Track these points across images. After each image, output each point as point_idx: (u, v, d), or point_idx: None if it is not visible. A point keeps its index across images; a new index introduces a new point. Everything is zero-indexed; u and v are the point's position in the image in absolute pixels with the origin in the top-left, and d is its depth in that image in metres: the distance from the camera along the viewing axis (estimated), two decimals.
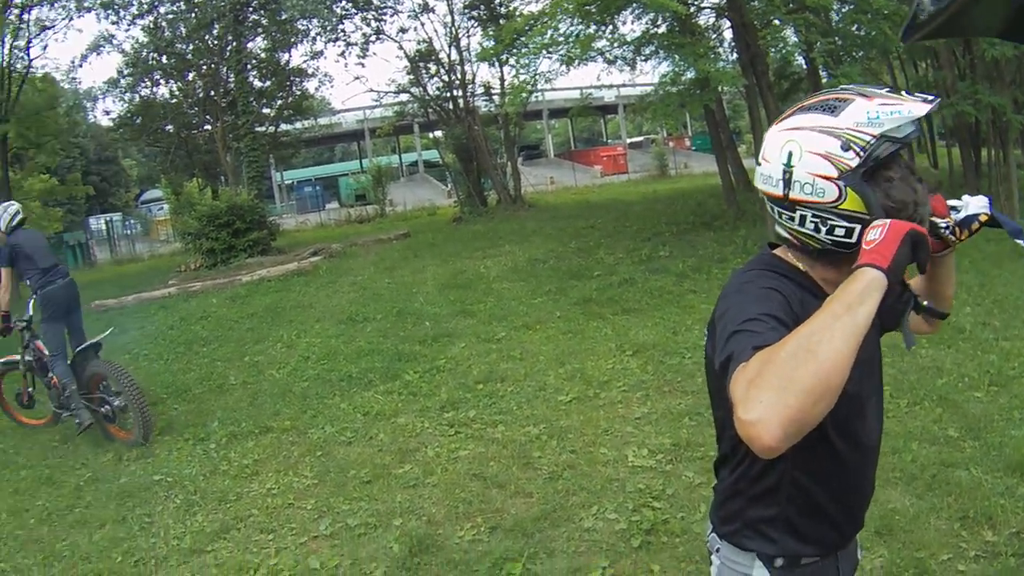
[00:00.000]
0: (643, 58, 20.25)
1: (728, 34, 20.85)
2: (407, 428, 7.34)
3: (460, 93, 27.66)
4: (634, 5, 16.41)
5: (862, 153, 1.77)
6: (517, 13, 22.39)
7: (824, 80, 22.57)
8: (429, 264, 16.91)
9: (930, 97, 1.78)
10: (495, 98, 28.22)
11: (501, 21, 21.96)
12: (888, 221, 1.69)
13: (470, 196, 27.93)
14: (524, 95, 17.65)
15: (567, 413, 7.40)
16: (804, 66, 22.41)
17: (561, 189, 39.48)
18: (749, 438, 1.47)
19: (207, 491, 6.52)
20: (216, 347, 11.81)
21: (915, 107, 1.76)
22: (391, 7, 27.79)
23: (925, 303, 2.08)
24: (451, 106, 27.90)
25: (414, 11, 27.93)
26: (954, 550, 4.78)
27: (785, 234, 1.99)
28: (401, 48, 28.49)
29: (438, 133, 34.14)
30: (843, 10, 17.74)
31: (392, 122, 33.73)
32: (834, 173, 1.78)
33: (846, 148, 1.78)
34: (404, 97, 29.74)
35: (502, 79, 26.58)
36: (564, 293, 12.84)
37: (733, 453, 2.04)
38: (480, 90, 28.94)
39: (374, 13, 27.55)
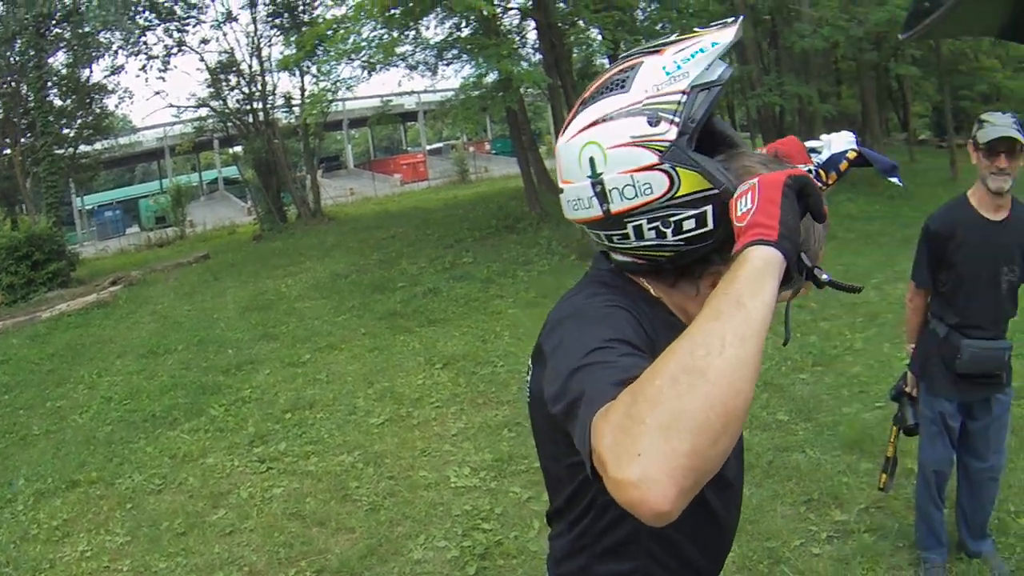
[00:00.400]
0: (445, 62, 20.44)
1: (532, 35, 21.23)
2: (217, 469, 7.02)
3: (260, 105, 27.26)
4: (438, 9, 16.56)
5: (676, 118, 1.42)
6: (320, 18, 22.17)
7: None
8: (229, 286, 16.53)
9: (730, 19, 1.49)
10: (295, 109, 27.91)
11: (303, 29, 21.77)
12: (754, 180, 1.35)
13: (270, 212, 27.45)
14: (325, 103, 17.53)
15: (381, 437, 7.31)
16: (607, 66, 23.10)
17: (361, 200, 39.26)
18: (632, 504, 1.10)
19: (19, 561, 5.94)
20: (17, 394, 10.97)
21: (718, 36, 1.45)
22: (194, 17, 27.16)
23: (825, 276, 1.51)
24: (251, 119, 27.46)
25: (217, 21, 27.43)
26: (805, 534, 4.87)
27: (626, 259, 1.63)
28: (203, 60, 27.97)
29: (238, 148, 33.53)
30: (649, 8, 18.30)
31: (192, 138, 32.93)
32: (653, 159, 1.42)
33: (654, 121, 1.42)
34: (204, 111, 29.12)
35: (302, 89, 26.36)
36: (368, 308, 12.82)
37: (569, 507, 1.67)
38: (280, 101, 28.56)
39: (177, 24, 26.83)
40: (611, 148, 1.44)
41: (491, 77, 15.98)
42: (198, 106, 28.63)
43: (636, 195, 1.44)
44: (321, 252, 19.45)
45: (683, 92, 1.41)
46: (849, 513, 5.05)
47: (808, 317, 9.18)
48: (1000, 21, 1.56)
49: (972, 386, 4.31)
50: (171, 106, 29.60)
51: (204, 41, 28.01)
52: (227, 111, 27.54)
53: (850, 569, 4.52)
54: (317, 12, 25.44)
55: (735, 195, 1.37)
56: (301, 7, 25.90)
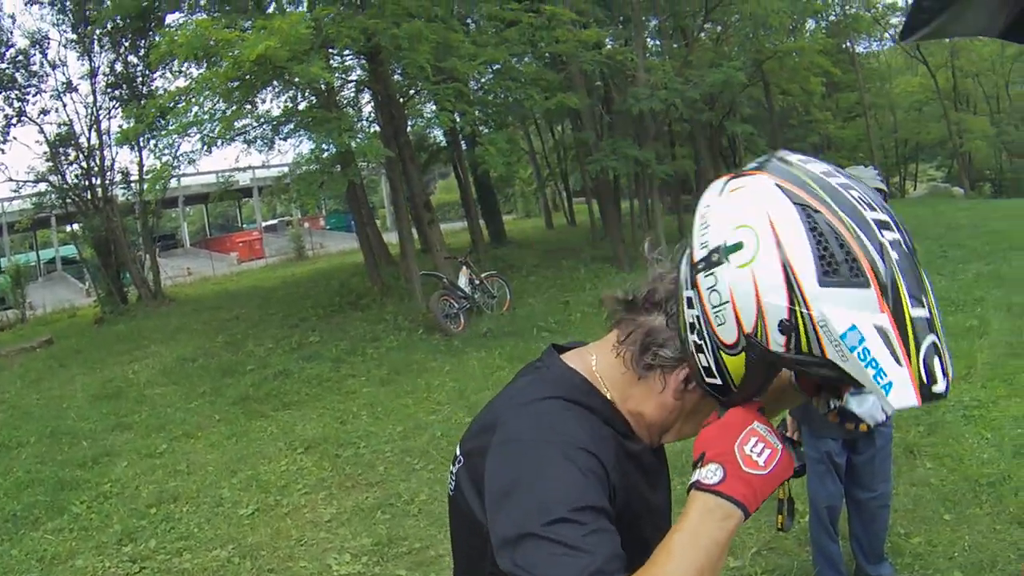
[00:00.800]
0: (282, 137, 20.32)
1: (369, 107, 21.25)
2: (87, 571, 6.80)
3: (99, 181, 26.77)
4: (275, 83, 16.58)
5: (794, 350, 1.27)
6: (159, 90, 21.90)
7: (464, 149, 23.74)
8: (77, 373, 16.06)
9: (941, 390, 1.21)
10: (134, 185, 27.41)
11: (142, 101, 21.55)
12: (779, 446, 1.46)
13: (111, 294, 26.69)
14: (166, 179, 17.25)
15: (252, 528, 7.21)
16: (443, 137, 23.45)
17: (200, 280, 38.45)
18: None
19: None
20: None
21: (900, 396, 1.20)
22: (35, 86, 26.56)
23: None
24: (90, 195, 26.92)
25: (57, 90, 26.90)
26: None
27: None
28: (42, 131, 27.31)
29: (76, 226, 32.63)
30: (483, 80, 18.69)
31: (31, 215, 31.96)
32: (748, 327, 1.30)
33: (784, 329, 1.26)
34: (43, 186, 28.38)
35: (140, 164, 25.86)
36: (220, 393, 12.68)
37: None
38: (119, 177, 27.96)
39: (17, 92, 26.24)
40: (760, 271, 1.27)
41: (330, 151, 15.99)
42: (37, 180, 27.94)
43: (713, 305, 1.36)
44: (166, 335, 19.13)
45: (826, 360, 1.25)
46: (743, 559, 5.18)
47: None
48: (1000, 21, 1.55)
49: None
50: (10, 180, 28.49)
51: (44, 112, 27.16)
52: (66, 186, 26.95)
53: None
54: (156, 84, 25.27)
55: (753, 435, 1.44)
56: (140, 79, 25.53)
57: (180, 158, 18.41)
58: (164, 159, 16.64)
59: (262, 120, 18.80)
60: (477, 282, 16.45)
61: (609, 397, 1.71)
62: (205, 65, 15.25)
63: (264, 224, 57.37)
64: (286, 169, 23.67)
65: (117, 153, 27.10)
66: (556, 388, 1.68)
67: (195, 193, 46.50)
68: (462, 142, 24.94)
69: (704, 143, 27.14)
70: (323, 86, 15.09)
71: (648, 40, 25.19)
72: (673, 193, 30.68)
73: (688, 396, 1.67)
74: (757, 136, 28.96)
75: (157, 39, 15.66)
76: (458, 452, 1.76)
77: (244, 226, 62.89)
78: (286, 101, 19.39)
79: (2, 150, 27.38)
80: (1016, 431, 7.01)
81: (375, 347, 14.36)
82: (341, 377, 12.76)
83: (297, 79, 14.38)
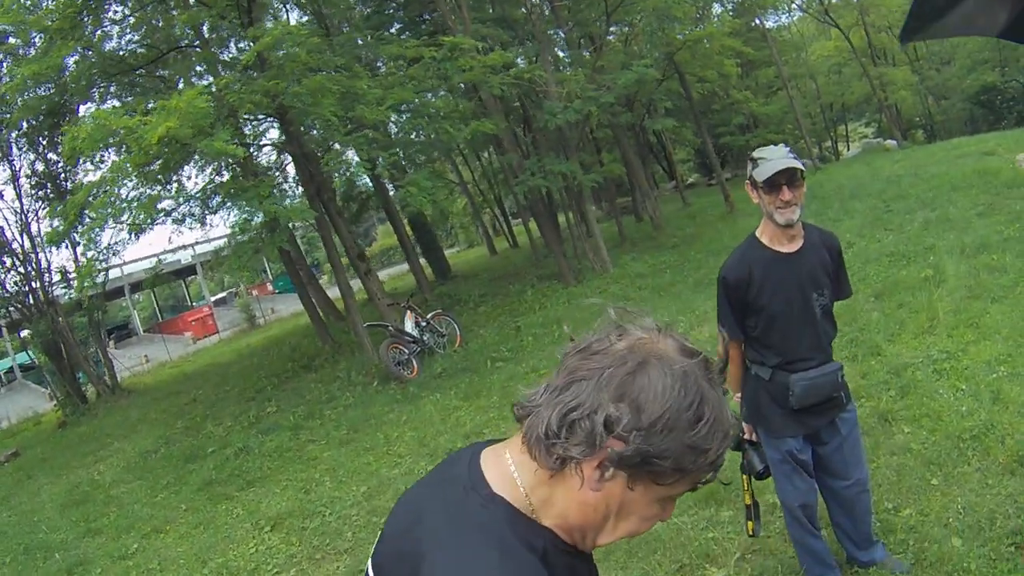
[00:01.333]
0: (211, 211, 20.21)
1: (292, 168, 21.37)
2: None
3: (38, 284, 26.56)
4: (195, 159, 16.53)
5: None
6: (79, 184, 21.75)
7: (391, 192, 23.76)
8: (44, 483, 15.87)
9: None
10: (74, 283, 27.23)
11: (68, 197, 21.42)
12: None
13: (69, 396, 26.50)
14: (96, 273, 17.08)
15: None
16: (369, 184, 23.44)
17: (157, 366, 38.03)
18: None
19: None
20: None
21: None
22: None
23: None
24: (31, 300, 26.70)
25: None
26: None
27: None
28: None
29: (27, 332, 32.37)
30: (400, 120, 18.71)
31: None
32: None
33: None
34: None
35: (76, 261, 25.53)
36: (184, 481, 12.55)
37: None
38: (58, 277, 27.73)
39: None
40: None
41: (257, 219, 15.92)
42: None
43: None
44: (126, 429, 18.94)
45: None
46: (727, 567, 5.01)
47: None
48: (1000, 21, 1.57)
49: (812, 416, 4.25)
50: None
51: None
52: (6, 295, 26.72)
53: None
54: (79, 178, 25.12)
55: None
56: (63, 175, 25.35)
57: (106, 250, 18.22)
58: (89, 254, 16.36)
59: (185, 198, 18.73)
60: (424, 324, 16.46)
61: (532, 510, 1.49)
62: (122, 152, 15.17)
63: (213, 299, 57.04)
64: (223, 242, 23.51)
65: (52, 253, 26.88)
66: (486, 536, 1.44)
67: (139, 279, 46.12)
68: (388, 186, 25.00)
69: (630, 144, 27.26)
70: (233, 158, 14.91)
71: (559, 52, 25.30)
72: (610, 198, 30.90)
73: (612, 486, 1.43)
74: (682, 126, 29.21)
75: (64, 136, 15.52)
76: (369, 568, 1.63)
77: (194, 304, 62.50)
78: (210, 174, 19.44)
79: None
80: (991, 376, 6.92)
81: (332, 407, 14.30)
82: (301, 444, 12.67)
83: (205, 154, 14.25)
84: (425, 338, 16.21)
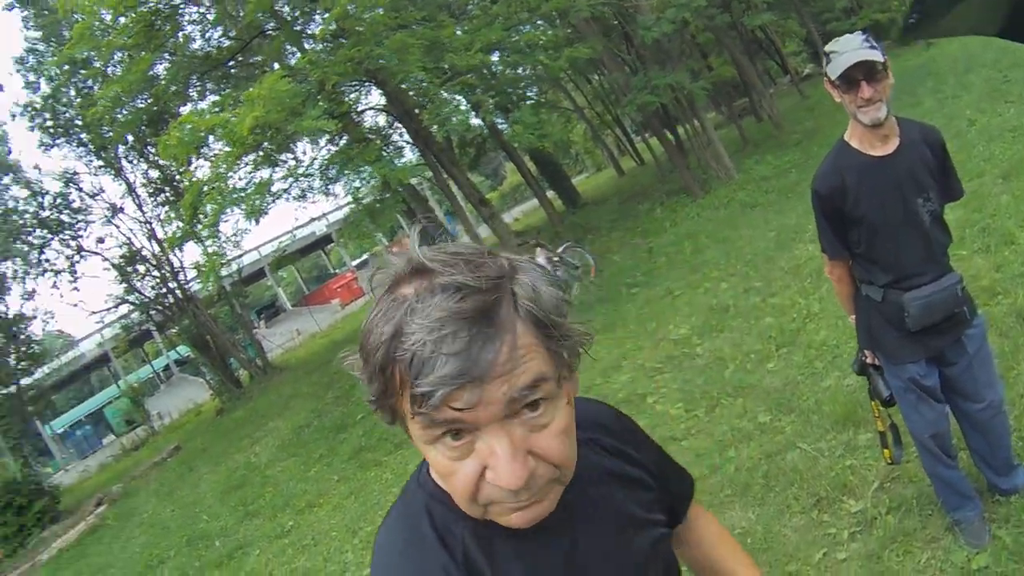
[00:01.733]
0: (332, 181, 19.81)
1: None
2: None
3: (174, 284, 27.35)
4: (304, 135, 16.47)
5: None
6: (188, 181, 22.25)
7: (507, 130, 23.47)
8: (204, 473, 16.42)
9: None
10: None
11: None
12: None
13: (223, 383, 27.41)
14: (219, 267, 17.29)
15: None
16: (483, 127, 23.23)
17: (309, 338, 38.78)
18: None
19: None
20: None
21: None
22: (83, 220, 27.33)
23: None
24: (171, 299, 27.51)
25: (105, 217, 27.59)
26: (825, 541, 4.45)
27: None
28: (105, 259, 28.10)
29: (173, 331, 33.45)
30: (498, 60, 18.40)
31: (124, 338, 32.83)
32: None
33: None
34: (125, 307, 29.16)
35: (206, 254, 26.29)
36: (335, 452, 12.68)
37: None
38: (193, 273, 28.48)
39: (70, 232, 27.05)
40: None
41: (367, 184, 16.04)
42: (117, 305, 28.72)
43: None
44: (280, 407, 19.36)
45: None
46: (864, 499, 4.65)
47: (757, 298, 8.98)
48: (1000, 21, 1.52)
49: (933, 336, 3.80)
50: (93, 313, 29.48)
51: (100, 240, 28.02)
52: (146, 300, 27.62)
53: (883, 562, 4.14)
54: (191, 176, 25.70)
55: None
56: (177, 177, 25.85)
57: (229, 241, 18.45)
58: (212, 249, 16.55)
59: (298, 175, 18.67)
60: (556, 259, 16.15)
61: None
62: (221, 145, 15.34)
63: (355, 263, 57.74)
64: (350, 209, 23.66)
65: (183, 252, 27.61)
66: (401, 524, 1.39)
67: (278, 256, 47.07)
68: (502, 125, 24.75)
69: (736, 45, 26.34)
70: (327, 132, 14.83)
71: None
72: (727, 102, 30.06)
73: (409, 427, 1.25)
74: (785, 18, 28.10)
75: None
76: None
77: (336, 271, 63.34)
78: (324, 146, 19.20)
79: (76, 288, 28.08)
80: None
81: None
82: None
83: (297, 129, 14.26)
84: (558, 273, 15.80)
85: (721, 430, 6.20)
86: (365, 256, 60.48)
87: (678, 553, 1.69)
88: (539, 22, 19.57)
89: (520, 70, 19.27)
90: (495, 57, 17.89)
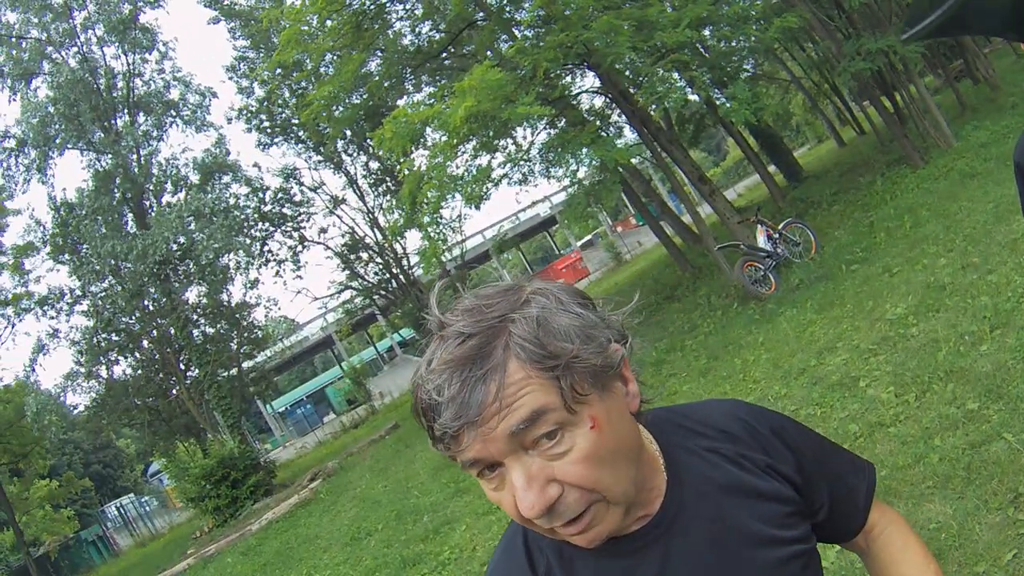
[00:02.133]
0: (552, 164, 19.70)
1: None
2: None
3: (397, 270, 28.22)
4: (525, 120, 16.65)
5: None
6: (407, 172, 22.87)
7: (722, 105, 23.04)
8: (419, 452, 16.79)
9: None
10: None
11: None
12: None
13: None
14: (440, 253, 17.61)
15: None
16: (701, 103, 22.87)
17: None
18: None
19: None
20: None
21: None
22: (305, 212, 28.65)
23: None
24: (394, 284, 28.40)
25: (327, 208, 28.79)
26: (1016, 542, 4.17)
27: None
28: (328, 248, 29.32)
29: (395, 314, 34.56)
30: (707, 35, 18.07)
31: (347, 322, 34.07)
32: None
33: None
34: (348, 293, 30.35)
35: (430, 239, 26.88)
36: None
37: None
38: (416, 259, 29.24)
39: (292, 224, 28.46)
40: None
41: (582, 168, 16.17)
42: (340, 291, 29.91)
43: None
44: None
45: None
46: None
47: (974, 276, 8.61)
48: (1001, 21, 1.56)
49: None
50: (316, 299, 30.82)
51: (323, 230, 29.32)
52: (369, 286, 28.62)
53: None
54: (416, 166, 26.30)
55: None
56: (397, 166, 26.64)
57: (449, 227, 18.75)
58: (432, 236, 16.92)
59: (516, 160, 18.95)
60: (776, 236, 15.76)
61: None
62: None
63: (579, 243, 58.06)
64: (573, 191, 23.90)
65: (405, 239, 28.49)
66: (506, 537, 1.52)
67: (502, 238, 47.93)
68: (720, 99, 24.34)
69: None
70: (541, 117, 14.95)
71: None
72: (943, 65, 28.65)
73: None
74: None
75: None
76: None
77: (561, 252, 63.78)
78: (544, 129, 19.49)
79: (300, 276, 29.36)
80: None
81: (692, 337, 13.99)
82: (662, 379, 12.37)
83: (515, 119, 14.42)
84: (779, 250, 15.42)
85: (929, 417, 5.95)
86: (590, 236, 60.96)
87: (865, 564, 1.70)
88: None
89: (733, 43, 18.82)
90: (707, 32, 17.63)
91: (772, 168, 30.26)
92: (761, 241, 15.47)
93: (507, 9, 17.66)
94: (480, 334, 1.19)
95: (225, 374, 27.62)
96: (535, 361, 1.18)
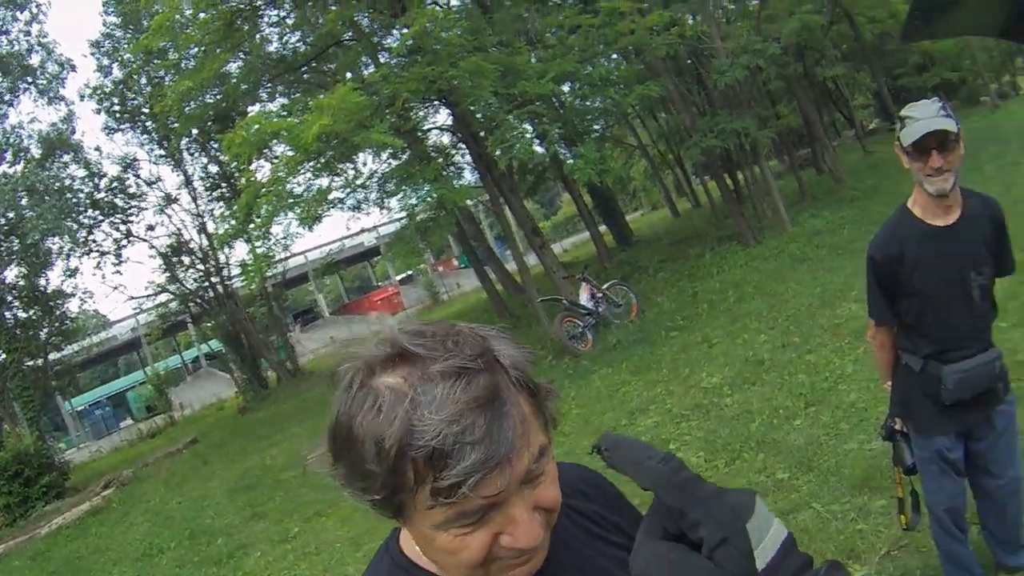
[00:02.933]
0: (388, 195, 20.24)
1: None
2: None
3: (216, 279, 27.55)
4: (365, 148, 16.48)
5: None
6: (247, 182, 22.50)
7: (568, 162, 23.41)
8: (217, 469, 16.35)
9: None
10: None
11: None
12: None
13: (250, 382, 27.46)
14: (266, 268, 17.35)
15: None
16: (545, 156, 23.19)
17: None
18: None
19: None
20: None
21: None
22: (136, 206, 27.68)
23: None
24: (211, 294, 27.72)
25: (159, 205, 27.90)
26: None
27: None
28: (152, 247, 28.45)
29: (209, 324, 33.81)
30: (569, 91, 18.33)
31: (159, 325, 33.19)
32: None
33: None
34: (165, 296, 29.44)
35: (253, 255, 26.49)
36: None
37: None
38: (237, 271, 28.68)
39: (121, 216, 27.39)
40: None
41: (420, 203, 16.12)
42: (157, 293, 28.99)
43: None
44: (304, 413, 19.32)
45: None
46: (869, 565, 4.66)
47: (793, 354, 8.90)
48: (1000, 21, 1.55)
49: (966, 410, 3.76)
50: (132, 298, 29.82)
51: (150, 228, 28.41)
52: (186, 292, 27.87)
53: None
54: (256, 177, 25.86)
55: None
56: (236, 175, 25.83)
57: (278, 244, 18.44)
58: (260, 250, 16.53)
59: (356, 186, 18.97)
60: (599, 295, 16.02)
61: (419, 555, 1.32)
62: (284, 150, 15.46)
63: (398, 278, 57.87)
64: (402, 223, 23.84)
65: (231, 250, 27.86)
66: None
67: (324, 264, 47.51)
68: (563, 154, 24.77)
69: (805, 94, 26.21)
70: (392, 147, 14.92)
71: (729, 4, 24.63)
72: (789, 151, 29.91)
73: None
74: (856, 71, 27.96)
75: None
76: None
77: (379, 284, 63.63)
78: (386, 159, 19.40)
79: (119, 271, 28.34)
80: None
81: None
82: None
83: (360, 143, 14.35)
84: (600, 310, 15.73)
85: (738, 483, 6.03)
86: (410, 272, 60.91)
87: None
88: (614, 56, 19.63)
89: (589, 102, 19.22)
90: (566, 88, 17.91)
91: (603, 228, 30.82)
92: (584, 299, 15.71)
93: (378, 33, 17.53)
94: (485, 370, 1.11)
95: (31, 363, 25.95)
96: (531, 395, 1.17)
